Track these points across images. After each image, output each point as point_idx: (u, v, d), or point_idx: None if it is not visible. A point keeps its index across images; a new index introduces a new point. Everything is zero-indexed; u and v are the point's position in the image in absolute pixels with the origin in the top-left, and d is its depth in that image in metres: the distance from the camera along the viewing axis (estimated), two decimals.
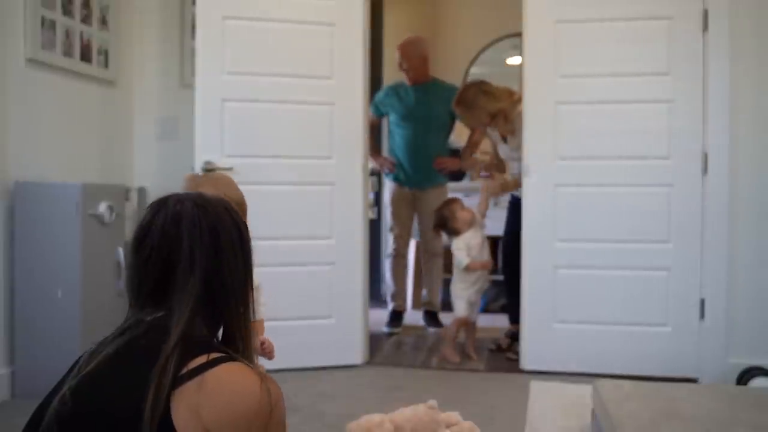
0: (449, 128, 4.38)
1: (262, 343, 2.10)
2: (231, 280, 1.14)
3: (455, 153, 5.20)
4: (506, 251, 3.90)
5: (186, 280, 1.10)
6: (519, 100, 3.64)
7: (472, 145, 4.32)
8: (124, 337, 1.09)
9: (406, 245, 4.56)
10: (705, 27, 3.21)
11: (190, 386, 1.01)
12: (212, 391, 1.01)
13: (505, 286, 3.97)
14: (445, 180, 4.44)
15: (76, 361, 1.14)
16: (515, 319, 3.83)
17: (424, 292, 4.58)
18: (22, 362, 2.91)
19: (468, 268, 3.62)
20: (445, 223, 3.69)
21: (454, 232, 3.69)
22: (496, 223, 4.04)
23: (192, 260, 1.11)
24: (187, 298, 1.09)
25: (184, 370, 1.02)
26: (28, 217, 2.90)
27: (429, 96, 4.27)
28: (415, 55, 4.27)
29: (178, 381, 1.01)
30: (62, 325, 2.86)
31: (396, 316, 4.45)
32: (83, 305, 2.88)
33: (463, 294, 3.66)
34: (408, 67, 4.28)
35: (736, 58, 3.17)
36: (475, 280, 3.68)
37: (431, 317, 4.45)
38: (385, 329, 4.26)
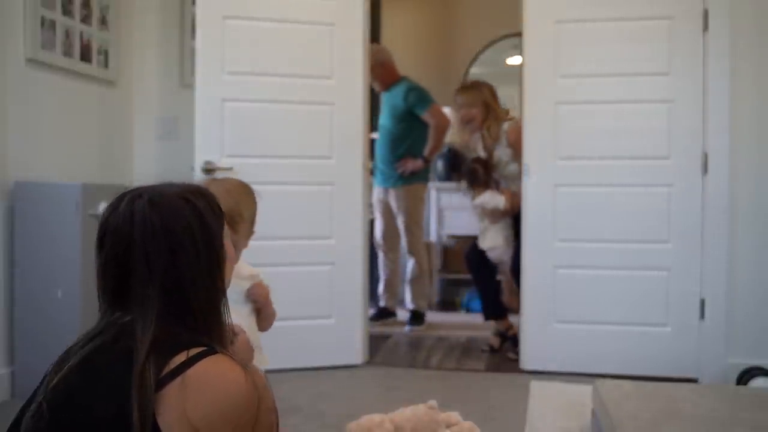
0: (416, 127, 4.36)
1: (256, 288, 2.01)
2: (192, 279, 1.09)
3: (454, 153, 5.21)
4: (470, 251, 3.90)
5: (144, 285, 1.06)
6: (510, 120, 3.77)
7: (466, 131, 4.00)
8: (94, 342, 1.06)
9: (387, 243, 4.54)
10: (705, 27, 3.21)
11: (172, 387, 0.99)
12: (196, 388, 0.99)
13: (478, 284, 3.96)
14: (415, 179, 4.40)
15: (56, 363, 1.11)
16: (491, 315, 3.88)
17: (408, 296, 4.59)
18: (22, 362, 2.91)
19: (505, 209, 3.66)
20: (486, 166, 3.75)
21: (486, 183, 3.74)
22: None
23: (147, 264, 1.07)
24: (149, 303, 1.05)
25: (165, 371, 0.99)
26: (28, 217, 2.90)
27: (392, 98, 4.35)
28: (373, 65, 4.29)
29: (160, 383, 0.99)
30: (62, 325, 2.85)
31: (380, 313, 4.48)
32: (83, 305, 2.87)
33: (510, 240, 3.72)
34: (372, 77, 4.33)
35: (736, 58, 3.17)
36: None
37: (415, 316, 4.43)
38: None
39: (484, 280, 3.86)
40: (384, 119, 4.42)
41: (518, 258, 3.53)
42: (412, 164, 4.36)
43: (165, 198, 1.11)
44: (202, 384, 1.00)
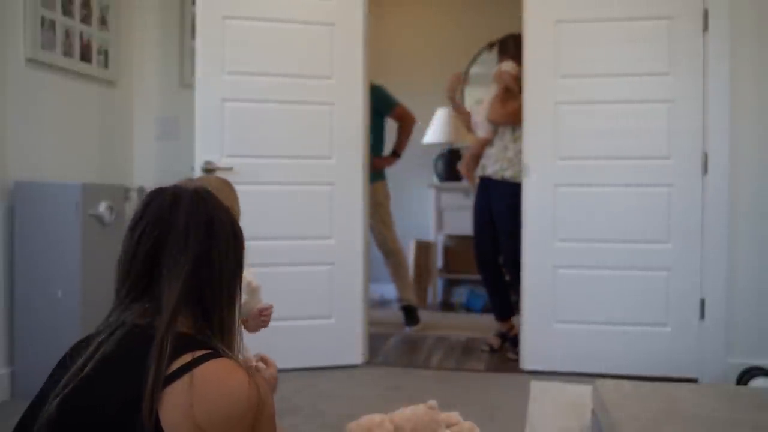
0: (379, 127, 4.38)
1: (263, 311, 2.05)
2: (221, 268, 1.14)
3: (454, 153, 5.20)
4: (481, 248, 3.86)
5: (177, 258, 1.10)
6: None
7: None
8: (113, 337, 1.08)
9: None
10: (705, 27, 3.21)
11: (178, 385, 1.01)
12: (201, 389, 1.01)
13: (485, 285, 3.94)
14: (380, 177, 4.39)
15: (63, 359, 1.13)
16: (503, 315, 3.87)
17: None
18: (22, 362, 2.91)
19: (512, 77, 3.70)
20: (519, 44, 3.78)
21: (515, 58, 3.74)
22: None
23: (186, 238, 1.11)
24: (176, 279, 1.09)
25: (170, 370, 1.02)
26: (28, 217, 2.90)
27: None
28: None
29: (165, 381, 1.01)
30: (62, 325, 2.85)
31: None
32: (83, 305, 2.87)
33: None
34: None
35: (737, 58, 3.17)
36: None
37: (409, 313, 4.43)
38: None
39: (493, 281, 3.85)
40: None
41: (513, 253, 3.53)
42: (387, 161, 4.40)
43: (211, 195, 1.19)
44: (207, 384, 1.02)
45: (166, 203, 1.13)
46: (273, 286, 3.26)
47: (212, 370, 1.04)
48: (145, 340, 1.04)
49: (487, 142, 3.77)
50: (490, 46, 4.05)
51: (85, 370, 1.05)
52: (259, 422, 1.06)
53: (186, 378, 1.01)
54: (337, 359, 3.44)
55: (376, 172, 4.36)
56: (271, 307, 2.06)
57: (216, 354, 1.07)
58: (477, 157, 3.85)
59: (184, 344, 1.06)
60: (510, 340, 3.80)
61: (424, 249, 5.27)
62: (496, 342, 3.83)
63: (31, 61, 3.03)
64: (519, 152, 3.56)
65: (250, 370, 1.09)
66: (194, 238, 1.12)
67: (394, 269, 4.45)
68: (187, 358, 1.04)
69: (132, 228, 1.14)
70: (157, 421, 0.99)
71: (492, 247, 3.80)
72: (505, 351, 3.76)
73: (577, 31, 3.34)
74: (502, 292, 3.86)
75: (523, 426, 2.63)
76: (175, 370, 1.02)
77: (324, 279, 3.43)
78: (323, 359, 3.41)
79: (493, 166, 3.72)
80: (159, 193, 1.16)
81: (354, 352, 3.48)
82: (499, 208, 3.68)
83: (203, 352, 1.06)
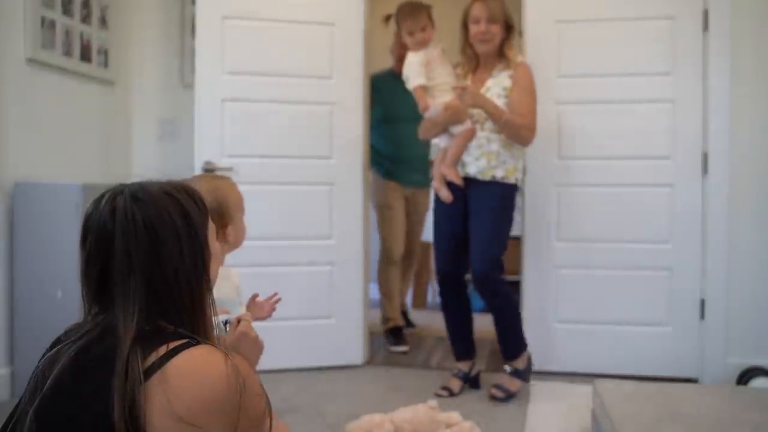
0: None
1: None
2: (176, 275, 1.08)
3: None
4: (448, 262, 3.10)
5: (125, 282, 1.06)
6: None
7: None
8: (80, 342, 1.07)
9: (402, 250, 4.06)
10: (706, 27, 3.21)
11: (153, 381, 0.99)
12: (176, 381, 0.99)
13: (445, 311, 3.20)
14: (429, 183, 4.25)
15: (38, 366, 1.11)
16: (468, 355, 3.20)
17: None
18: (22, 362, 2.91)
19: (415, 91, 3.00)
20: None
21: (402, 26, 3.15)
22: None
23: (128, 260, 1.06)
24: (131, 300, 1.05)
25: (146, 365, 1.00)
26: (28, 217, 2.90)
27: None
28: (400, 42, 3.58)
29: (143, 376, 0.99)
30: (62, 325, 2.81)
31: (393, 333, 4.00)
32: (83, 305, 2.87)
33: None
34: (398, 55, 3.71)
35: (737, 58, 3.17)
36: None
37: (396, 334, 3.99)
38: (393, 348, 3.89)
39: (459, 308, 3.19)
40: (406, 111, 3.54)
41: (488, 262, 2.94)
42: None
43: (147, 193, 1.12)
44: (181, 375, 1.00)
45: (103, 215, 1.08)
46: (273, 286, 3.27)
47: (185, 361, 1.01)
48: (112, 351, 1.01)
49: (471, 137, 2.97)
50: (387, 19, 3.57)
51: (55, 384, 1.03)
52: (244, 405, 1.03)
53: (159, 374, 0.99)
54: (337, 359, 3.44)
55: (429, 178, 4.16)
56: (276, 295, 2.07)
57: (190, 344, 1.04)
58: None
59: (156, 338, 1.03)
60: (471, 381, 3.15)
61: (424, 249, 5.26)
62: (457, 385, 3.08)
63: (31, 61, 3.02)
64: (506, 144, 2.95)
65: (228, 352, 1.06)
66: (137, 254, 1.06)
67: (410, 275, 4.44)
68: (161, 350, 1.01)
69: (82, 245, 1.10)
70: (141, 420, 0.97)
71: (461, 263, 3.08)
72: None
73: (578, 31, 3.34)
74: (468, 323, 3.19)
75: (523, 426, 2.63)
76: (148, 367, 0.99)
77: (324, 279, 3.43)
78: (323, 359, 3.41)
79: (476, 163, 2.96)
80: (98, 202, 1.11)
81: (354, 352, 3.48)
82: (485, 212, 2.96)
83: (178, 342, 1.03)
